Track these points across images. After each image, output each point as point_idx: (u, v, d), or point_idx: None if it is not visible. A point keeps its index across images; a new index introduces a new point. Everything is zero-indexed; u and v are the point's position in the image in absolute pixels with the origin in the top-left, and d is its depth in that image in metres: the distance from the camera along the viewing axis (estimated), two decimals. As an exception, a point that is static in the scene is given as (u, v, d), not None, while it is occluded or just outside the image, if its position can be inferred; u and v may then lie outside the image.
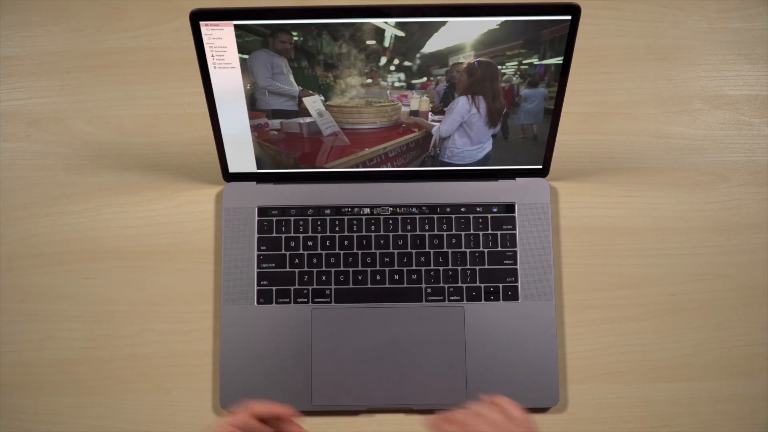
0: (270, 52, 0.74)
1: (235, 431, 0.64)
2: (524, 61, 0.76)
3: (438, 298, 0.84)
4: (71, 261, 0.87)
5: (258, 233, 0.85)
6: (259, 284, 0.84)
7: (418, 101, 0.79)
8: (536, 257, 0.85)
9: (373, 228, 0.86)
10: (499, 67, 0.76)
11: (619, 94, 0.92)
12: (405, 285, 0.84)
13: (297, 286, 0.84)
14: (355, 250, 0.85)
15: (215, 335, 0.85)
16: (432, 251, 0.85)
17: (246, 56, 0.75)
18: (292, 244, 0.85)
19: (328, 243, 0.85)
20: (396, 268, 0.85)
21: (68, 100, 0.92)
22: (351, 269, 0.85)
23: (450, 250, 0.85)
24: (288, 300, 0.84)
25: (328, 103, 0.79)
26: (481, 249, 0.85)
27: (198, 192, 0.89)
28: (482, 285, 0.84)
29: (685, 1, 0.95)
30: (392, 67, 0.76)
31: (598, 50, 0.93)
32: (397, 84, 0.78)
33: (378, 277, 0.84)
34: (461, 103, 0.80)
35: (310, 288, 0.84)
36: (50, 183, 0.89)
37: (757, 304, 0.86)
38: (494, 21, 0.72)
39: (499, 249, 0.85)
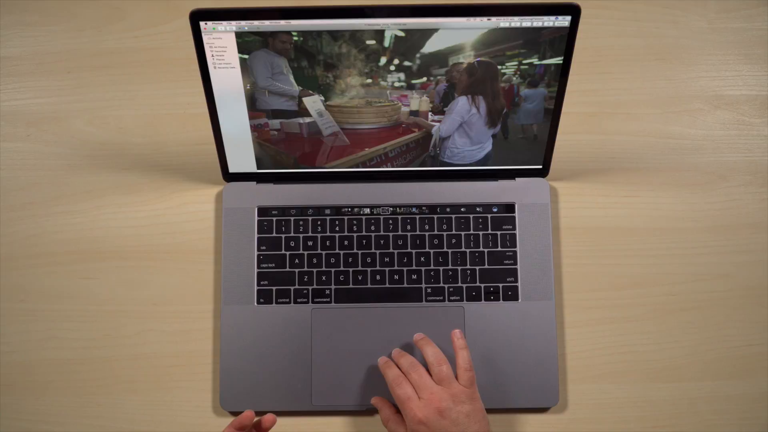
0: (270, 51, 0.74)
1: None
2: (524, 61, 0.76)
3: (438, 298, 0.84)
4: (71, 261, 0.87)
5: (258, 233, 0.85)
6: (259, 284, 0.84)
7: (418, 101, 0.79)
8: (536, 257, 0.85)
9: (373, 228, 0.86)
10: (499, 67, 0.76)
11: (619, 94, 0.92)
12: (405, 285, 0.84)
13: (297, 286, 0.84)
14: (355, 250, 0.85)
15: (215, 335, 0.85)
16: (432, 251, 0.85)
17: (246, 56, 0.75)
18: (292, 244, 0.85)
19: (328, 243, 0.85)
20: (396, 268, 0.85)
21: (68, 100, 0.92)
22: (351, 269, 0.85)
23: (450, 250, 0.85)
24: (288, 300, 0.84)
25: (328, 103, 0.79)
26: (481, 249, 0.85)
27: (198, 192, 0.89)
28: (482, 285, 0.84)
29: (685, 1, 0.95)
30: (392, 67, 0.76)
31: (598, 50, 0.93)
32: (397, 84, 0.78)
33: (378, 277, 0.84)
34: (461, 103, 0.80)
35: (310, 288, 0.84)
36: (50, 183, 0.89)
37: (757, 304, 0.86)
38: (494, 21, 0.72)
39: (499, 249, 0.85)
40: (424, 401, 0.73)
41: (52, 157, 0.90)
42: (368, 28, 0.72)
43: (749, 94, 0.92)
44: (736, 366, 0.85)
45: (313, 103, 0.79)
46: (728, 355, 0.85)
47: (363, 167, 0.86)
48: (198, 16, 0.72)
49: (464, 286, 0.84)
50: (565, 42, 0.74)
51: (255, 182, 0.87)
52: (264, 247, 0.85)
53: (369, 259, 0.85)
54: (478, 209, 0.86)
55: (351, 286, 0.84)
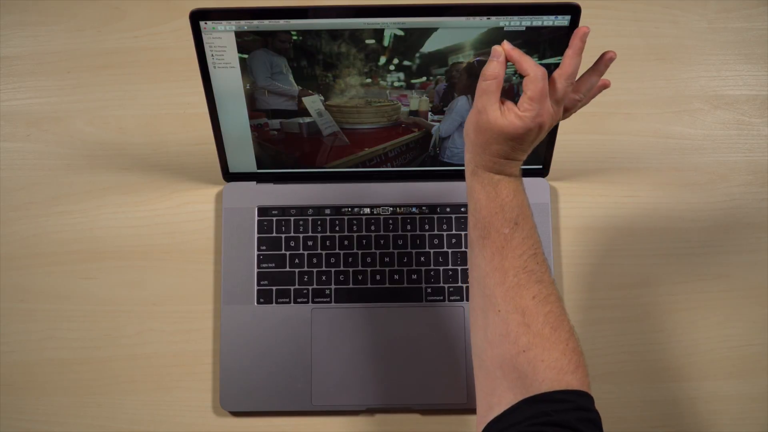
0: (269, 51, 0.74)
1: None
2: (524, 61, 0.76)
3: (438, 298, 0.84)
4: (71, 261, 0.87)
5: (258, 233, 0.85)
6: (259, 284, 0.84)
7: (418, 101, 0.79)
8: (536, 257, 0.85)
9: (373, 228, 0.86)
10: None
11: (619, 94, 0.92)
12: (405, 285, 0.84)
13: (297, 286, 0.84)
14: (355, 250, 0.85)
15: (215, 335, 0.85)
16: (432, 251, 0.85)
17: (245, 56, 0.75)
18: (292, 244, 0.85)
19: (328, 243, 0.85)
20: (396, 268, 0.85)
21: (68, 100, 0.92)
22: (351, 269, 0.85)
23: (450, 250, 0.85)
24: (288, 300, 0.84)
25: (327, 102, 0.79)
26: (481, 249, 0.85)
27: (198, 192, 0.89)
28: (482, 285, 0.84)
29: (685, 1, 0.95)
30: (392, 67, 0.76)
31: (598, 50, 0.93)
32: (396, 84, 0.78)
33: (378, 277, 0.84)
34: (461, 102, 0.80)
35: (310, 288, 0.84)
36: (50, 183, 0.89)
37: (757, 304, 0.86)
38: (494, 21, 0.72)
39: (499, 249, 0.85)
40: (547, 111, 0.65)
41: (52, 157, 0.90)
42: (367, 27, 0.72)
43: (749, 94, 0.92)
44: (735, 366, 0.84)
45: (313, 102, 0.79)
46: (728, 355, 0.85)
47: (363, 167, 0.86)
48: (198, 16, 0.72)
49: (464, 286, 0.84)
50: (565, 41, 0.74)
51: (255, 182, 0.87)
52: (264, 247, 0.85)
53: (369, 259, 0.85)
54: (478, 209, 0.86)
55: (351, 286, 0.84)
